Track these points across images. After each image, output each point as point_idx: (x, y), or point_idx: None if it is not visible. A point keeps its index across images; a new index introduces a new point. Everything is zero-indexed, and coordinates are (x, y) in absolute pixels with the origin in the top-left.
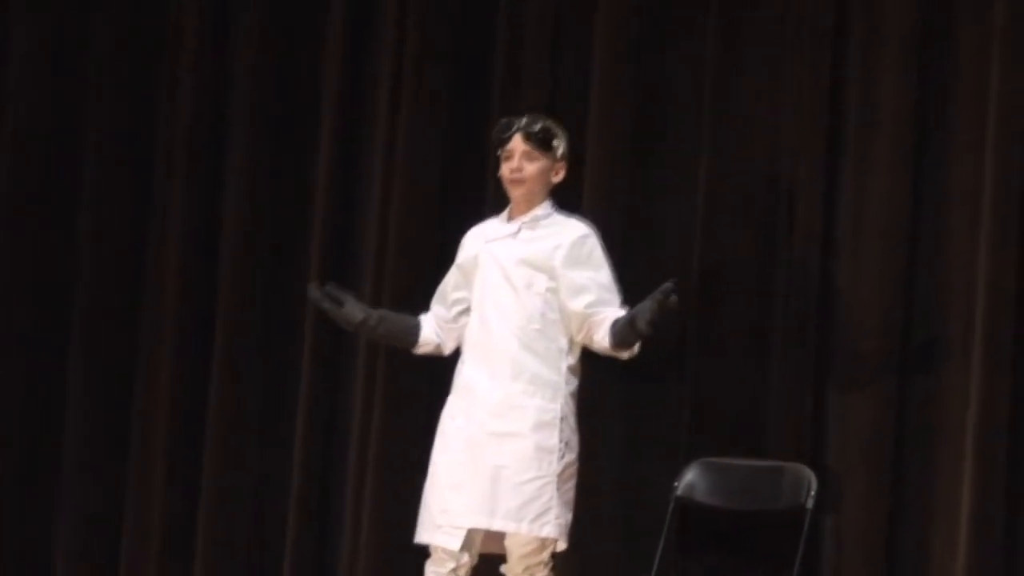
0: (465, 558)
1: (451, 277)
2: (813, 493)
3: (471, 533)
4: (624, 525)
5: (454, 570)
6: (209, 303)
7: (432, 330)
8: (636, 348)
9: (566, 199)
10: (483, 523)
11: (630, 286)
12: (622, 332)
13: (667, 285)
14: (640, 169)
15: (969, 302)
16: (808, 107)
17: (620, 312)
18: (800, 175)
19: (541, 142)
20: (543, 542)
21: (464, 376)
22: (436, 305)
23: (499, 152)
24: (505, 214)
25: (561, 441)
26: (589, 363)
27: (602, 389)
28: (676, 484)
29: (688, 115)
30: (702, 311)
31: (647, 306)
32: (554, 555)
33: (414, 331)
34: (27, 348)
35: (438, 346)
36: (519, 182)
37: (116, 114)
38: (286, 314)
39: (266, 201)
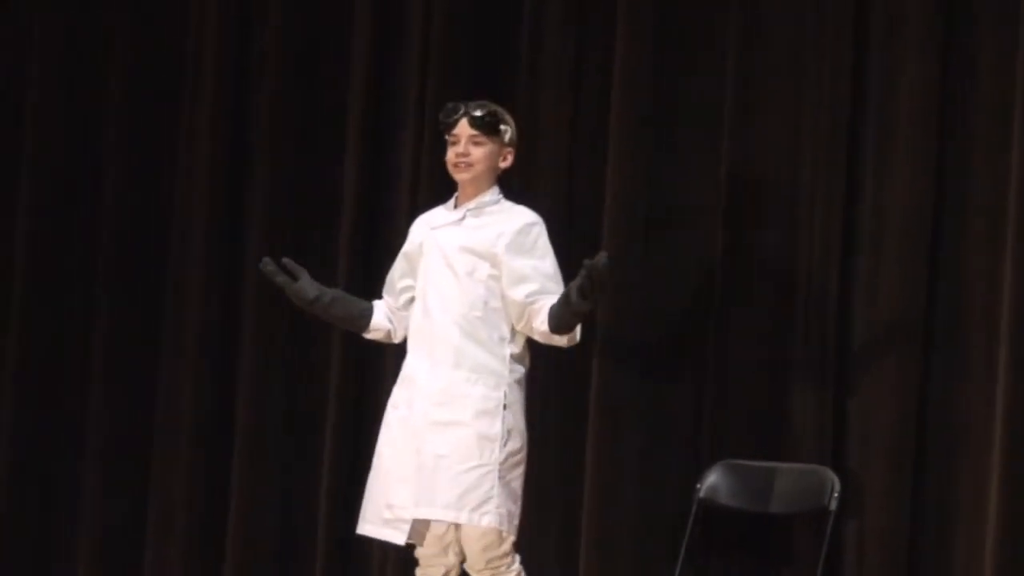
0: (452, 558)
1: (397, 265)
2: (836, 495)
3: (416, 525)
4: (646, 527)
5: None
6: (235, 305)
7: (384, 315)
8: (577, 334)
9: (588, 204)
10: (424, 514)
11: (652, 288)
12: (558, 313)
13: (597, 257)
14: (660, 174)
15: (992, 304)
16: (828, 111)
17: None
18: (820, 179)
19: (488, 126)
20: (500, 535)
21: (407, 365)
22: (387, 295)
23: (446, 136)
24: (452, 201)
25: (504, 429)
26: (612, 366)
27: (624, 391)
28: (698, 486)
29: (709, 119)
30: (723, 314)
31: (575, 281)
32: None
33: (366, 314)
34: (48, 358)
35: (389, 332)
36: (466, 166)
37: (137, 121)
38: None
39: (292, 208)
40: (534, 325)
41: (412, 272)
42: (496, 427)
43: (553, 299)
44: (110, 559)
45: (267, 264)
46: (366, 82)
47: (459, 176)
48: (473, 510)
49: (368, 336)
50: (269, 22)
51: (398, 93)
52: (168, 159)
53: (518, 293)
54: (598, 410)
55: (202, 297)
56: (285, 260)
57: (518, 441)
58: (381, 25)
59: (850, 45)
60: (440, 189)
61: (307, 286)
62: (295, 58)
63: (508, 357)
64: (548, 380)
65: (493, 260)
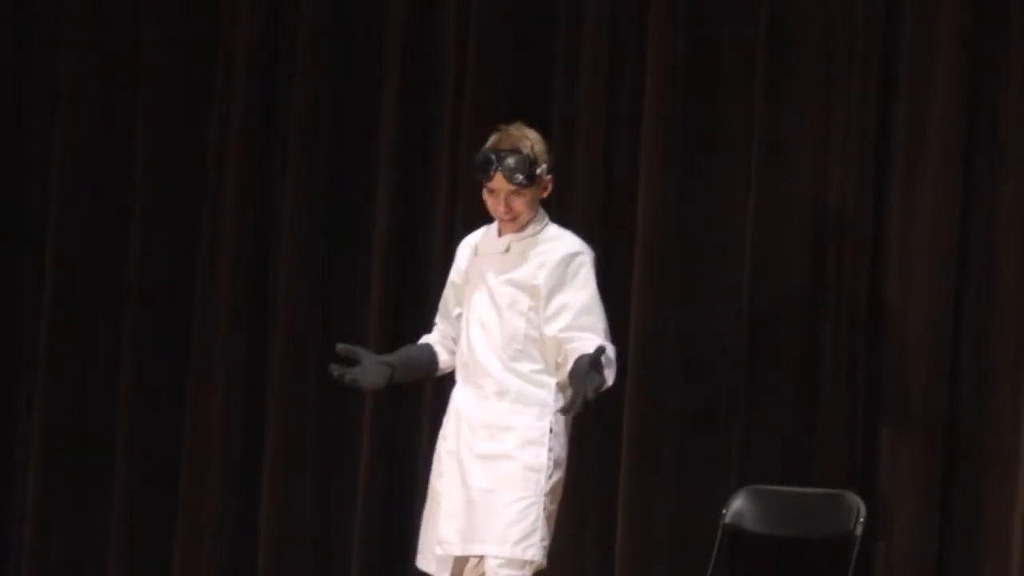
0: None
1: (448, 294)
2: (862, 520)
3: (458, 561)
4: (673, 552)
5: None
6: (264, 320)
7: (445, 351)
8: (609, 380)
9: (618, 228)
10: (471, 550)
11: (682, 312)
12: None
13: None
14: (690, 197)
15: (1019, 324)
16: (857, 132)
17: (592, 342)
18: (848, 201)
19: (526, 179)
20: (524, 562)
21: (454, 396)
22: (442, 322)
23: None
24: (496, 225)
25: (550, 460)
26: (639, 390)
27: (653, 417)
28: (724, 511)
29: (738, 141)
30: (752, 337)
31: (576, 384)
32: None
33: (433, 363)
34: (78, 373)
35: (453, 366)
36: (511, 220)
37: (167, 131)
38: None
39: (324, 222)
40: (566, 370)
41: (460, 300)
42: (542, 457)
43: (586, 337)
44: None
45: (335, 370)
46: (399, 108)
47: (505, 228)
48: (516, 543)
49: (437, 376)
50: (298, 49)
51: (432, 120)
52: (198, 183)
53: (552, 328)
54: (630, 436)
55: (230, 316)
56: (340, 347)
57: (561, 471)
58: (414, 50)
59: (879, 68)
60: (474, 216)
61: (375, 373)
62: (326, 83)
63: (552, 387)
64: None
65: (533, 293)
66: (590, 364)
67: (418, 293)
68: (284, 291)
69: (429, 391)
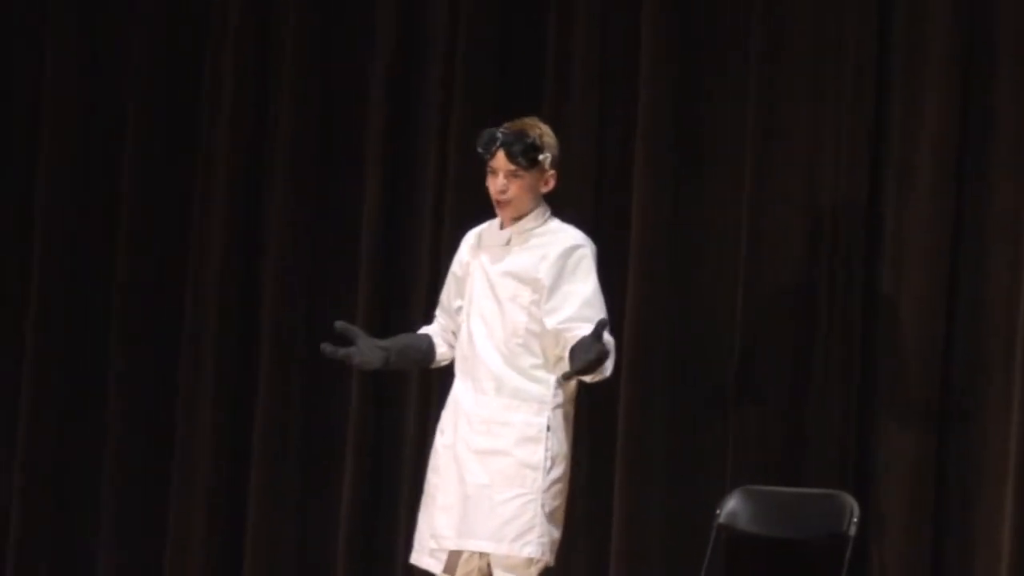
0: None
1: (449, 286)
2: (855, 520)
3: (452, 555)
4: (667, 553)
5: None
6: (252, 319)
7: (444, 344)
8: (607, 370)
9: (613, 227)
10: (464, 545)
11: (676, 313)
12: (574, 358)
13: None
14: (684, 197)
15: (1010, 325)
16: (850, 134)
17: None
18: (841, 202)
19: (526, 160)
20: (529, 560)
21: (454, 390)
22: (441, 315)
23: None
24: (499, 220)
25: (547, 456)
26: (633, 388)
27: (647, 416)
28: (718, 511)
29: (731, 142)
30: (746, 336)
31: (578, 353)
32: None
33: (431, 352)
34: (64, 383)
35: (452, 358)
36: (505, 203)
37: (155, 139)
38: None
39: (310, 230)
40: (565, 358)
41: (462, 292)
42: (539, 454)
43: (586, 328)
44: None
45: (326, 348)
46: (385, 107)
47: (501, 211)
48: (513, 540)
49: (433, 367)
50: (287, 48)
51: (420, 118)
52: (186, 184)
53: (552, 320)
54: (625, 435)
55: (217, 329)
56: (338, 324)
57: (561, 467)
58: (403, 48)
59: (872, 70)
60: (462, 215)
61: (370, 353)
62: (313, 84)
63: (551, 383)
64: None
65: (535, 285)
66: (593, 335)
67: (405, 293)
68: (271, 289)
69: (414, 390)
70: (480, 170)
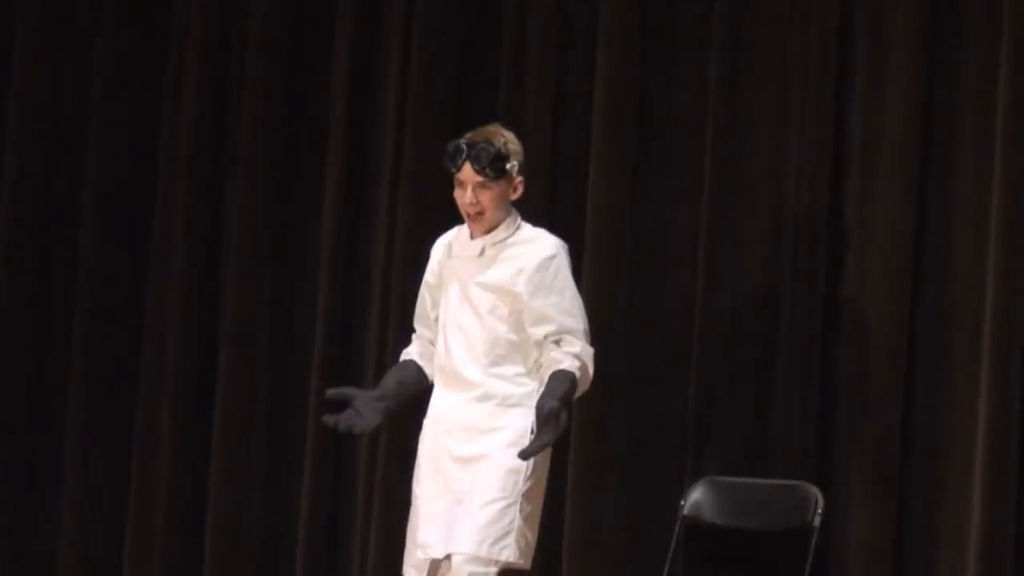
0: None
1: (424, 297)
2: (819, 511)
3: (434, 563)
4: (630, 544)
5: None
6: (213, 326)
7: (429, 364)
8: (583, 386)
9: (569, 222)
10: (450, 550)
11: (636, 304)
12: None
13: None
14: (643, 191)
15: (976, 317)
16: (812, 128)
17: (573, 349)
18: (804, 194)
19: (494, 171)
20: (491, 560)
21: (434, 399)
22: (420, 327)
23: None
24: (466, 228)
25: (531, 461)
26: (597, 382)
27: (608, 408)
28: (682, 503)
29: (692, 137)
30: (707, 329)
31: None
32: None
33: (421, 379)
34: (26, 382)
35: None
36: (477, 216)
37: (117, 141)
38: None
39: (271, 228)
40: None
41: (437, 303)
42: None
43: (564, 346)
44: None
45: (328, 420)
46: (346, 107)
47: (472, 224)
48: (493, 544)
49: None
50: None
51: (379, 110)
52: (149, 184)
53: (538, 332)
54: (581, 426)
55: (180, 320)
56: (329, 392)
57: (541, 470)
58: (360, 51)
59: (835, 59)
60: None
61: (369, 413)
62: (277, 80)
63: (533, 388)
64: None
65: (514, 298)
66: (552, 411)
67: (367, 293)
68: (234, 291)
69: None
70: (437, 165)
